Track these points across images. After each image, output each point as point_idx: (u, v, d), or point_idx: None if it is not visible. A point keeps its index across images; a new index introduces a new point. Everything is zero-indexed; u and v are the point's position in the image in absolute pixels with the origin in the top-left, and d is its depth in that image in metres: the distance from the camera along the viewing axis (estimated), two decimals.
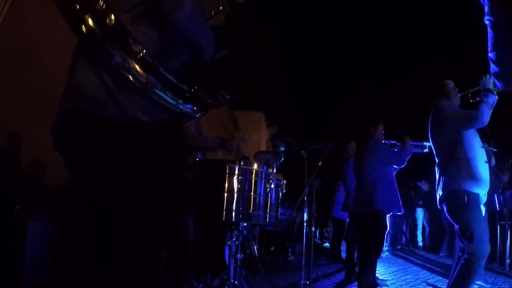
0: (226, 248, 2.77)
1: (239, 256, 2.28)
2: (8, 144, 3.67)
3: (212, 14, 1.40)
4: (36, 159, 3.78)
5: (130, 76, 0.99)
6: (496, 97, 2.43)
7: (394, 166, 3.44)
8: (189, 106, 1.15)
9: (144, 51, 0.99)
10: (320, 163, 3.28)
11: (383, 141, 3.68)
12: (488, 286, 3.61)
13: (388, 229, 3.34)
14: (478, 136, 2.59)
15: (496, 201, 4.96)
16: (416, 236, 8.29)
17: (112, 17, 0.95)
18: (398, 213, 3.23)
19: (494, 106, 2.43)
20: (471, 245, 2.28)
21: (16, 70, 3.79)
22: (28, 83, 3.92)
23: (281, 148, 3.14)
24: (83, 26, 0.93)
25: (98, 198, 1.07)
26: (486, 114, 2.40)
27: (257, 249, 4.47)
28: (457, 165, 2.45)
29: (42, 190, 2.99)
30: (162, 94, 1.05)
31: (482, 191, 2.45)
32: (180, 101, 1.11)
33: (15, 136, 3.73)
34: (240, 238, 2.29)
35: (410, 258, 6.30)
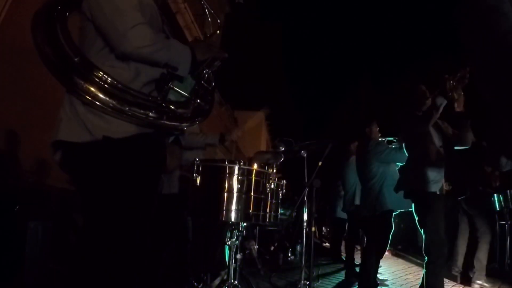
0: (226, 248, 2.77)
1: (239, 256, 2.27)
2: (8, 144, 3.67)
3: (212, 32, 1.58)
4: (36, 159, 3.78)
5: (93, 100, 1.16)
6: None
7: (397, 163, 3.44)
8: (164, 120, 1.27)
9: (105, 76, 1.17)
10: (320, 163, 3.28)
11: (381, 139, 3.69)
12: (488, 285, 3.61)
13: (393, 229, 3.33)
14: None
15: (496, 201, 4.96)
16: (416, 236, 8.29)
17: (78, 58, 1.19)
18: (409, 210, 3.23)
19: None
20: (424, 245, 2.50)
21: (16, 70, 3.79)
22: (28, 83, 3.92)
23: (281, 148, 3.14)
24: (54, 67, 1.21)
25: (98, 204, 1.19)
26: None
27: (257, 249, 4.47)
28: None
29: (42, 190, 2.99)
30: (130, 112, 1.19)
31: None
32: (155, 117, 1.24)
33: (15, 136, 3.73)
34: (240, 238, 2.29)
35: (410, 258, 6.29)
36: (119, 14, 1.17)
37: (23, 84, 3.88)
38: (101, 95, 1.16)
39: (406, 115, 2.80)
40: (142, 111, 1.20)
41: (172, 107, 1.29)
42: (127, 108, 1.18)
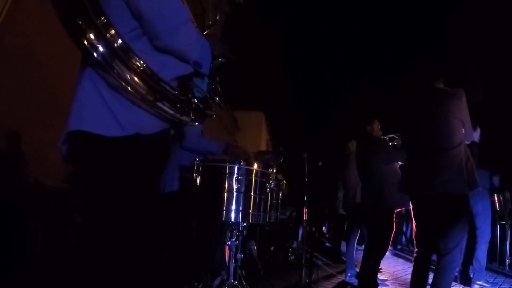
0: (226, 248, 2.77)
1: (239, 256, 2.27)
2: (8, 144, 3.67)
3: (210, 23, 1.50)
4: (36, 159, 3.78)
5: (129, 88, 1.03)
6: None
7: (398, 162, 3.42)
8: (185, 116, 1.19)
9: (144, 64, 1.05)
10: (320, 163, 3.29)
11: (382, 137, 3.67)
12: (488, 285, 3.61)
13: (394, 229, 3.32)
14: None
15: (496, 201, 4.96)
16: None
17: (112, 31, 1.00)
18: (408, 208, 3.22)
19: None
20: None
21: (16, 70, 3.79)
22: (28, 83, 3.92)
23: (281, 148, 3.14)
24: (84, 40, 0.97)
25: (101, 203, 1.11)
26: None
27: (257, 249, 4.47)
28: None
29: (42, 190, 2.99)
30: (161, 105, 1.10)
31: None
32: (179, 113, 1.16)
33: (15, 136, 3.73)
34: (240, 238, 2.29)
35: (410, 258, 6.29)
36: (171, 6, 1.10)
37: (23, 84, 3.88)
38: (136, 79, 1.02)
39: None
40: (169, 104, 1.12)
41: (197, 104, 1.23)
42: (157, 100, 1.07)
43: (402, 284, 3.96)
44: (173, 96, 1.13)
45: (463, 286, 3.70)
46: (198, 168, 2.10)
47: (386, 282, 3.92)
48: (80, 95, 1.08)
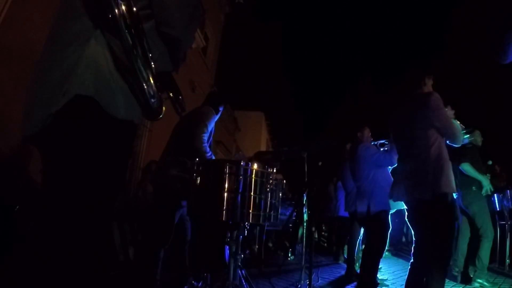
0: (226, 248, 2.77)
1: (239, 256, 2.27)
2: (8, 144, 3.67)
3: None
4: (36, 159, 3.78)
5: (126, 40, 0.95)
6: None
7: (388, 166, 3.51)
8: (155, 106, 1.14)
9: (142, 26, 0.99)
10: (320, 163, 3.30)
11: (372, 143, 3.77)
12: (489, 285, 3.61)
13: (390, 228, 3.39)
14: None
15: (496, 201, 4.96)
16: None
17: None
18: (402, 208, 3.27)
19: None
20: None
21: (16, 70, 3.79)
22: (28, 83, 3.92)
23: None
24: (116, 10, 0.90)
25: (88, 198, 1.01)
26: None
27: (257, 249, 4.47)
28: None
29: (42, 190, 2.99)
30: (142, 81, 1.04)
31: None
32: (154, 98, 1.11)
33: (15, 136, 3.73)
34: (240, 238, 2.29)
35: (410, 258, 6.29)
36: None
37: (23, 84, 3.88)
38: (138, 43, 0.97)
39: None
40: (151, 87, 1.08)
41: (161, 101, 1.21)
42: (142, 70, 1.02)
43: (402, 284, 3.96)
44: (154, 83, 1.08)
45: (463, 286, 3.71)
46: (198, 168, 2.10)
47: (386, 282, 3.92)
48: (91, 57, 0.98)
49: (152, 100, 1.11)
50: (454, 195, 2.54)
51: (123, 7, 0.91)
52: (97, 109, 0.97)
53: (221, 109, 3.04)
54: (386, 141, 3.83)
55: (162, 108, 1.20)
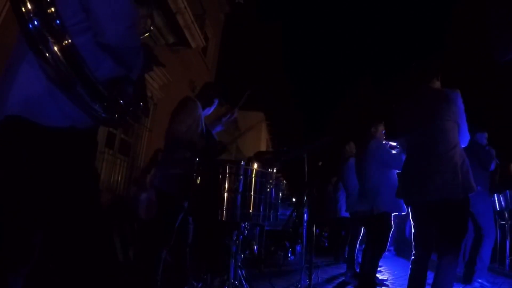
0: (226, 248, 2.76)
1: (239, 256, 2.27)
2: None
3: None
4: None
5: (52, 63, 1.03)
6: None
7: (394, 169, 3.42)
8: (104, 114, 1.20)
9: (70, 41, 1.05)
10: (320, 163, 3.29)
11: (384, 142, 3.66)
12: (489, 285, 3.61)
13: (392, 229, 3.33)
14: None
15: (496, 201, 4.96)
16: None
17: (53, 9, 1.03)
18: (403, 213, 3.23)
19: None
20: None
21: None
22: None
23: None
24: (23, 7, 1.02)
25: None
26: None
27: (257, 249, 4.47)
28: None
29: None
30: (82, 93, 1.11)
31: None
32: (98, 106, 1.16)
33: None
34: (240, 238, 2.29)
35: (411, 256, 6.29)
36: (121, 6, 1.13)
37: None
38: (62, 58, 1.04)
39: None
40: (97, 101, 1.15)
41: (123, 108, 1.27)
42: (82, 87, 1.10)
43: (402, 284, 3.96)
44: (101, 93, 1.16)
45: (463, 285, 3.71)
46: (198, 168, 2.10)
47: (386, 282, 3.92)
48: (21, 80, 1.10)
49: (101, 108, 1.17)
50: None
51: (36, 23, 1.01)
52: (26, 124, 1.07)
53: (215, 101, 2.95)
54: (397, 145, 3.70)
55: (122, 118, 1.28)
